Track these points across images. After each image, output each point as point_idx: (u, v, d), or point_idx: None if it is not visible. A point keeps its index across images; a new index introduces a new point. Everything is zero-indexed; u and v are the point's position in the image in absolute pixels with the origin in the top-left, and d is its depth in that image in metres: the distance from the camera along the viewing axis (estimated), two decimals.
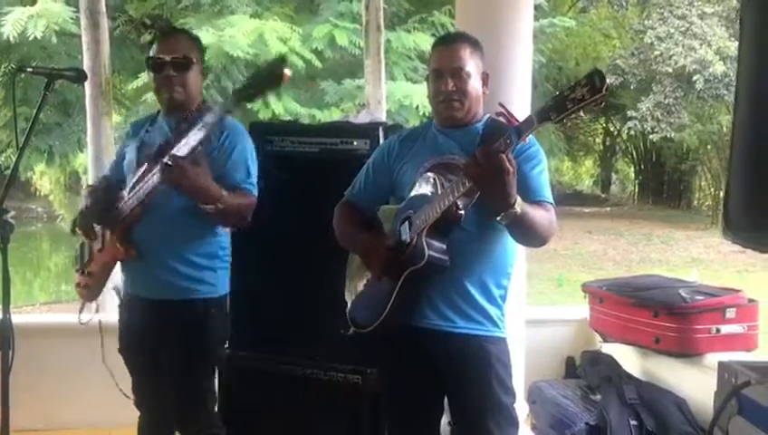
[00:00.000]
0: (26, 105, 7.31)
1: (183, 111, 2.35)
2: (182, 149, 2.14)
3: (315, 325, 2.65)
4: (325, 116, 8.73)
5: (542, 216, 2.00)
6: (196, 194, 2.19)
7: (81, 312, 2.53)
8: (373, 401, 2.54)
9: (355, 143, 2.69)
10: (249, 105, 2.36)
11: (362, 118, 3.04)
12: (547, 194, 2.09)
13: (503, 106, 1.97)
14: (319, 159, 2.75)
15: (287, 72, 2.03)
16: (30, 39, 8.52)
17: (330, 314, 2.39)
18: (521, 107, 2.81)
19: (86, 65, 3.99)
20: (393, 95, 8.44)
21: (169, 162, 2.12)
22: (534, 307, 4.76)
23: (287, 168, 2.74)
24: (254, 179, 2.38)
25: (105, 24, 4.20)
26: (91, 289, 2.46)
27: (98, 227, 2.40)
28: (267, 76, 2.07)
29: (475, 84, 2.13)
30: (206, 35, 7.97)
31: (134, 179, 2.31)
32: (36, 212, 16.75)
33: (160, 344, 2.35)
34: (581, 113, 1.71)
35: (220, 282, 2.42)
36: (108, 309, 2.94)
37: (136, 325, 2.42)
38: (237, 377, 2.78)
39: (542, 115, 1.77)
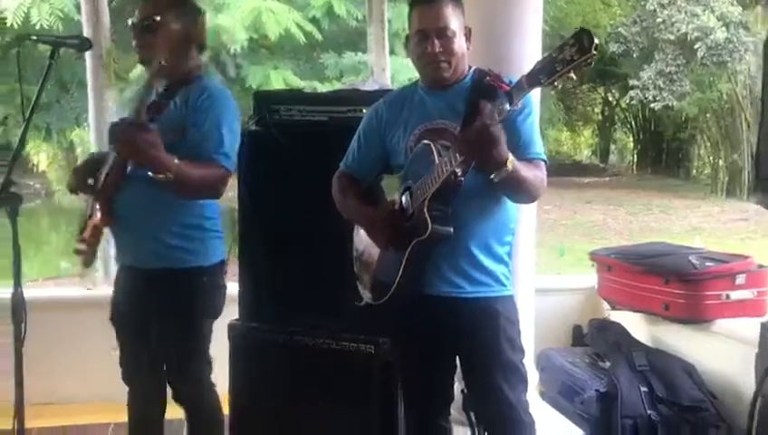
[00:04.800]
0: (24, 82, 7.20)
1: (165, 76, 2.29)
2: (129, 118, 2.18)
3: (327, 296, 2.63)
4: (326, 89, 8.63)
5: (534, 175, 1.99)
6: (147, 163, 2.12)
7: (81, 277, 2.51)
8: (386, 371, 2.54)
9: (364, 111, 2.64)
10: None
11: (369, 85, 3.00)
12: (539, 149, 2.07)
13: (491, 72, 1.94)
14: (328, 128, 2.71)
15: None
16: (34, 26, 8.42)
17: (342, 284, 2.38)
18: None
19: (86, 35, 3.92)
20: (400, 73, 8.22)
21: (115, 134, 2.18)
22: (540, 276, 4.75)
23: (295, 136, 2.70)
24: (229, 150, 2.24)
25: None
26: (85, 255, 2.42)
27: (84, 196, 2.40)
28: None
29: (460, 42, 2.08)
30: None
31: None
32: (34, 188, 16.65)
33: (147, 314, 2.32)
34: (572, 74, 1.65)
35: (208, 251, 2.37)
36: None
37: (125, 295, 2.41)
38: (249, 349, 2.77)
39: (531, 79, 1.73)
